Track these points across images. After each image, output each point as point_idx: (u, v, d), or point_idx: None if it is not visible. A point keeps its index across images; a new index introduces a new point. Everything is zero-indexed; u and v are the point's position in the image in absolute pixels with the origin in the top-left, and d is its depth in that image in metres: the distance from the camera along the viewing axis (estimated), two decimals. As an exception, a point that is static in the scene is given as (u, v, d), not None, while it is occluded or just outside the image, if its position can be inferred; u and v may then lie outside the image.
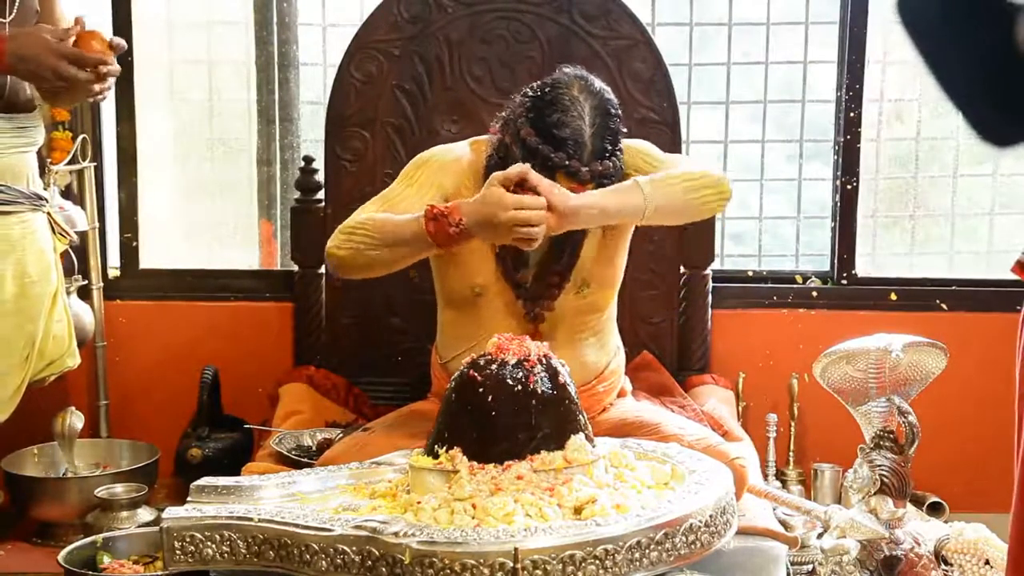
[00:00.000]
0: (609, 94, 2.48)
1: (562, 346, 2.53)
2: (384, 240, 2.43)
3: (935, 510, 3.23)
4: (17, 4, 2.47)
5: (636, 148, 2.61)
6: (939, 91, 1.10)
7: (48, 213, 2.66)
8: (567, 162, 2.39)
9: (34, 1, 2.52)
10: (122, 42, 2.44)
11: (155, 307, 3.50)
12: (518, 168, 2.34)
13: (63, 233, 2.71)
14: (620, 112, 2.49)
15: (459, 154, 2.63)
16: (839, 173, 3.48)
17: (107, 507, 2.86)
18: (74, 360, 2.75)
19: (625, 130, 2.52)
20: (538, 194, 2.31)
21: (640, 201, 2.38)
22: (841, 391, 2.63)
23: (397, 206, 2.52)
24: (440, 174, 2.59)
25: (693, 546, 1.93)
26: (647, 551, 1.87)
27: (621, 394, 2.78)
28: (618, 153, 2.46)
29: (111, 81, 2.42)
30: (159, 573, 2.35)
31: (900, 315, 3.38)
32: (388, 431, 2.57)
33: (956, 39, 1.04)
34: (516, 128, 2.47)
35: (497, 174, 2.34)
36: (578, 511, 1.94)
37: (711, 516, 1.98)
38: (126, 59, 3.45)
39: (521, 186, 2.32)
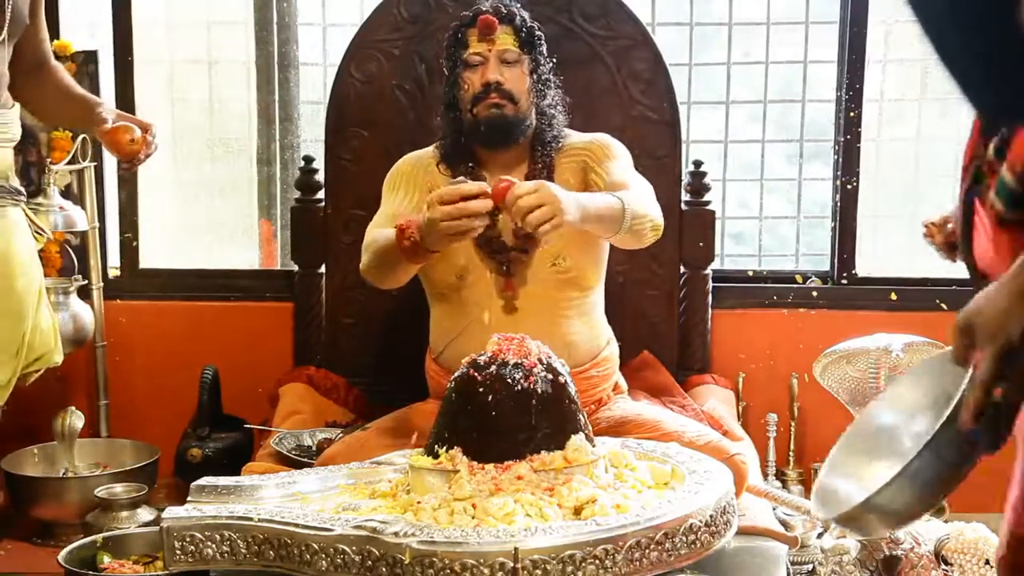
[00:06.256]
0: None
1: (546, 323, 2.57)
2: (380, 257, 2.53)
3: (935, 510, 3.23)
4: (8, 16, 2.47)
5: (600, 141, 2.74)
6: (940, 66, 1.10)
7: (23, 209, 2.65)
8: (469, 12, 2.65)
9: (24, 15, 2.53)
10: (150, 127, 2.56)
11: (155, 307, 3.50)
12: (464, 188, 2.33)
13: (39, 231, 2.71)
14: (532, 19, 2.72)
15: (425, 153, 2.80)
16: (839, 173, 3.48)
17: (107, 507, 2.86)
18: (59, 356, 2.74)
19: (541, 33, 2.71)
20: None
21: (619, 223, 2.45)
22: (841, 391, 2.63)
23: (396, 216, 2.61)
24: (414, 173, 2.75)
25: (693, 546, 1.93)
26: (647, 551, 1.87)
27: (617, 390, 2.79)
28: (534, 29, 2.69)
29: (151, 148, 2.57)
30: (159, 573, 2.35)
31: (900, 315, 3.37)
32: (388, 431, 2.58)
33: (959, 14, 1.04)
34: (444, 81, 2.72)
35: (441, 191, 2.35)
36: (578, 511, 1.94)
37: (711, 516, 1.98)
38: (126, 59, 3.46)
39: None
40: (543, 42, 2.72)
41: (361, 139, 3.22)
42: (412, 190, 2.72)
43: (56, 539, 3.04)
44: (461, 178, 2.42)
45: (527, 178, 2.64)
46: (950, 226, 1.87)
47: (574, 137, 2.76)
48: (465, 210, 2.26)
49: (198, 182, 3.73)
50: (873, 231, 3.64)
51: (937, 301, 3.46)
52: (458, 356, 2.28)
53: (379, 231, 2.59)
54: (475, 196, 2.27)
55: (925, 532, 2.71)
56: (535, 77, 2.68)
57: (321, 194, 3.27)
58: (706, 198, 3.26)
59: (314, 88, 3.66)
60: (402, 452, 2.27)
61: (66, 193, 3.29)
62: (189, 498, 2.08)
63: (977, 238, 1.58)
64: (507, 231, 2.60)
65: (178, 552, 1.96)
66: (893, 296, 3.48)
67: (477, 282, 2.62)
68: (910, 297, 3.47)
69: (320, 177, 3.28)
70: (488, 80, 2.62)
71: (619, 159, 2.70)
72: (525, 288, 2.62)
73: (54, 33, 3.38)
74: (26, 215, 2.66)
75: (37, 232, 2.70)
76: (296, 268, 3.32)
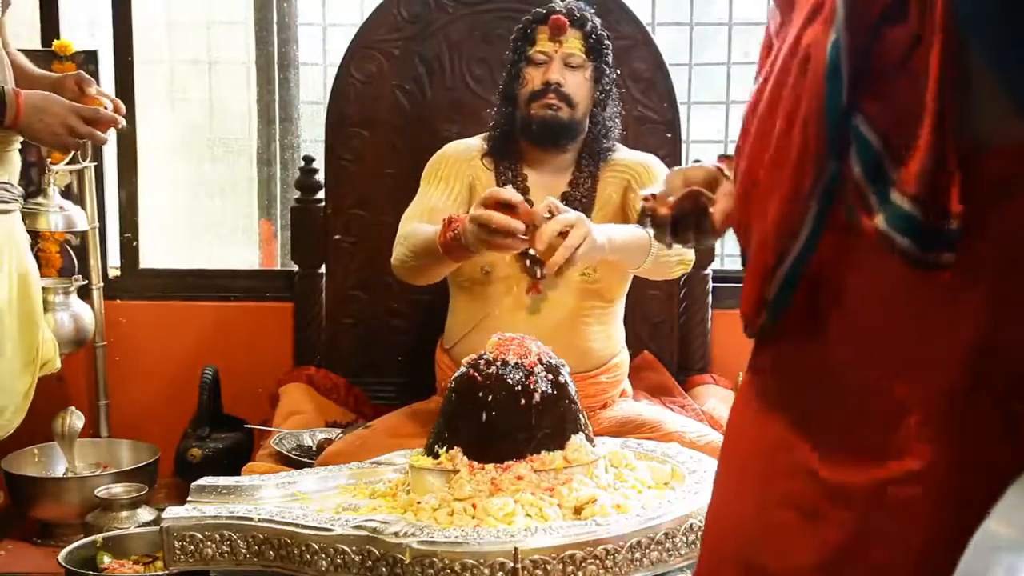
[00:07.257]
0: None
1: (566, 329, 2.58)
2: (416, 252, 2.52)
3: None
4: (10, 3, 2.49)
5: (646, 163, 2.73)
6: (998, 77, 1.06)
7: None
8: (542, 10, 2.65)
9: None
10: (119, 104, 2.55)
11: (155, 307, 3.50)
12: (505, 193, 2.33)
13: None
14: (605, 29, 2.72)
15: (472, 143, 2.78)
16: (839, 173, 3.47)
17: (107, 507, 2.86)
18: (59, 362, 2.76)
19: (609, 43, 2.71)
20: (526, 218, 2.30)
21: (644, 255, 2.48)
22: (841, 391, 2.62)
23: (435, 208, 2.62)
24: (458, 164, 2.72)
25: (693, 546, 1.93)
26: (647, 551, 1.87)
27: (622, 395, 2.79)
28: (604, 38, 2.68)
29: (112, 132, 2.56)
30: (159, 573, 2.36)
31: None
32: (388, 430, 2.58)
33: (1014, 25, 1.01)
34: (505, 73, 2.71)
35: (489, 191, 2.34)
36: (578, 511, 1.94)
37: (711, 516, 1.98)
38: (126, 59, 3.45)
39: (511, 208, 2.31)
40: (610, 52, 2.70)
41: (361, 139, 3.22)
42: (453, 182, 2.71)
43: (56, 539, 3.04)
44: (510, 188, 2.44)
45: (570, 185, 2.68)
46: (672, 198, 1.53)
47: (623, 152, 2.75)
48: (491, 220, 2.26)
49: (198, 182, 3.73)
50: (873, 231, 3.63)
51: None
52: (471, 350, 2.27)
53: (417, 225, 2.58)
54: (513, 206, 2.27)
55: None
56: (596, 86, 2.67)
57: (321, 194, 3.27)
58: (706, 198, 3.25)
59: (314, 88, 3.66)
60: (402, 452, 2.27)
61: (66, 193, 3.28)
62: (189, 498, 2.08)
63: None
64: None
65: (178, 552, 1.96)
66: (893, 296, 3.47)
67: (504, 279, 2.62)
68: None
69: (320, 177, 3.28)
70: (549, 80, 2.62)
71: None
72: (551, 292, 2.63)
73: (54, 33, 3.39)
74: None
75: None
76: (296, 268, 3.32)
